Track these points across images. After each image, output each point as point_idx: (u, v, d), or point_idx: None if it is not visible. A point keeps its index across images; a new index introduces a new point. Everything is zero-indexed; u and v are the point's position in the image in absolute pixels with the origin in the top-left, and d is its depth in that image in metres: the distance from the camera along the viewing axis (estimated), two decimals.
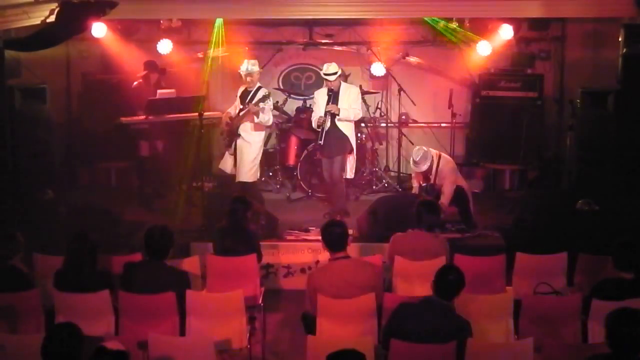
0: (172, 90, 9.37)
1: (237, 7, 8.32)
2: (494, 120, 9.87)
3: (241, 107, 8.12)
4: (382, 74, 10.22)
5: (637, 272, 5.06)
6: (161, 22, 9.72)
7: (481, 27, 9.59)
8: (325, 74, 8.12)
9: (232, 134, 8.12)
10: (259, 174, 8.43)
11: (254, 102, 7.94)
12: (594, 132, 8.38)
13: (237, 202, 6.46)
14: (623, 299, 4.76)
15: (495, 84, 9.96)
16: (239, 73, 8.23)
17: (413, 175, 8.47)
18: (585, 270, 6.01)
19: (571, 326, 5.18)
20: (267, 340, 6.22)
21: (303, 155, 9.36)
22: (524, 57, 10.11)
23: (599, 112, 8.37)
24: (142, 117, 8.99)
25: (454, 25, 9.58)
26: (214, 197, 8.40)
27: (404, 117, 10.47)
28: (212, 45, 9.67)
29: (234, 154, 8.13)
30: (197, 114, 8.32)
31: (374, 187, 9.64)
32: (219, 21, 9.55)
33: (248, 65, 8.10)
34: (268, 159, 9.69)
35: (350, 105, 8.08)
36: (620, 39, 7.86)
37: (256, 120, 7.98)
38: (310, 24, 10.32)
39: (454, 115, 9.59)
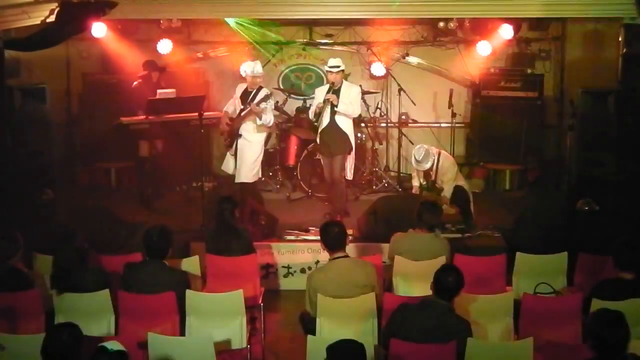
0: (172, 90, 9.37)
1: (237, 7, 8.32)
2: (494, 120, 9.88)
3: (242, 107, 8.11)
4: (382, 74, 10.23)
5: (637, 272, 5.06)
6: (161, 22, 9.72)
7: (481, 27, 9.59)
8: (329, 66, 8.11)
9: (233, 134, 8.12)
10: (260, 174, 8.43)
11: (255, 102, 7.92)
12: (594, 132, 8.38)
13: (223, 203, 6.47)
14: (623, 299, 4.76)
15: (495, 84, 9.96)
16: (241, 73, 8.21)
17: (413, 174, 8.48)
18: (585, 270, 6.00)
19: (571, 326, 5.18)
20: (267, 340, 6.22)
21: (303, 155, 9.36)
22: (524, 57, 10.12)
23: (599, 112, 8.37)
24: (142, 117, 8.98)
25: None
26: (214, 197, 8.39)
27: (404, 117, 10.47)
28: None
29: (235, 154, 8.13)
30: (197, 114, 8.32)
31: (374, 187, 9.64)
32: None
33: (255, 68, 8.04)
34: (268, 159, 9.69)
35: (351, 102, 8.08)
36: (620, 39, 7.86)
37: (259, 122, 7.96)
38: (310, 24, 10.33)
39: (454, 115, 9.58)
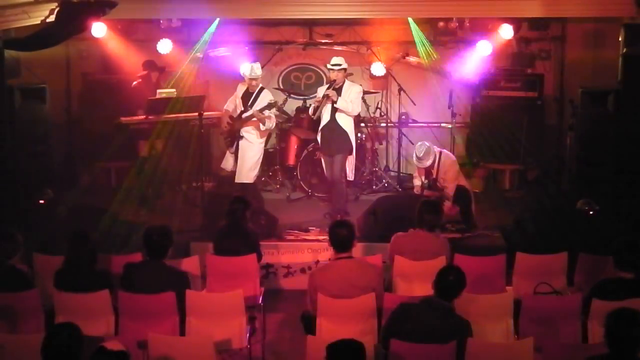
0: (173, 90, 9.37)
1: (237, 7, 8.32)
2: (494, 120, 9.86)
3: (242, 109, 8.11)
4: (382, 74, 10.23)
5: (637, 272, 5.06)
6: (161, 22, 9.72)
7: (481, 27, 9.59)
8: (331, 64, 8.13)
9: (234, 134, 8.12)
10: (259, 174, 8.43)
11: (259, 109, 7.93)
12: (594, 132, 8.37)
13: (236, 202, 6.46)
14: (623, 299, 4.76)
15: (495, 84, 9.96)
16: (241, 74, 8.22)
17: (415, 174, 8.48)
18: (585, 270, 6.01)
19: (571, 326, 5.18)
20: (267, 340, 6.22)
21: (303, 155, 9.36)
22: (524, 57, 10.11)
23: (599, 112, 8.36)
24: (142, 117, 8.98)
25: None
26: (214, 197, 8.40)
27: (404, 117, 10.46)
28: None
29: (235, 154, 8.13)
30: (197, 114, 8.32)
31: (374, 187, 9.63)
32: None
33: (253, 70, 8.07)
34: (268, 159, 9.69)
35: (351, 100, 8.08)
36: (620, 39, 7.86)
37: (262, 128, 7.99)
38: (310, 24, 10.33)
39: (454, 115, 9.59)
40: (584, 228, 7.23)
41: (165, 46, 9.91)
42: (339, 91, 8.06)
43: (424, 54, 9.69)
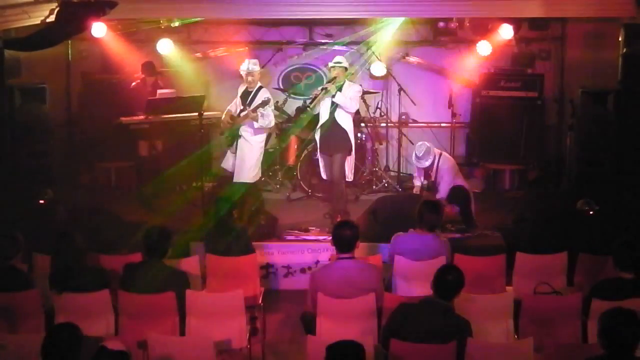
0: (173, 91, 9.37)
1: (237, 7, 8.32)
2: (494, 120, 9.87)
3: (241, 107, 8.13)
4: (382, 74, 10.23)
5: (637, 272, 5.06)
6: (161, 22, 9.72)
7: (481, 27, 9.59)
8: (333, 62, 8.14)
9: (234, 133, 8.12)
10: (259, 174, 8.43)
11: (252, 107, 7.94)
12: (594, 132, 8.38)
13: (219, 203, 6.47)
14: (623, 299, 4.76)
15: (495, 84, 9.95)
16: (240, 72, 8.23)
17: (415, 174, 8.48)
18: (585, 270, 6.01)
19: (571, 326, 5.18)
20: (267, 340, 6.22)
21: (303, 155, 9.36)
22: (524, 57, 10.11)
23: (599, 112, 8.37)
24: (142, 117, 8.98)
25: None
26: (214, 197, 8.39)
27: (404, 117, 10.47)
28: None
29: (235, 153, 8.14)
30: (197, 114, 8.33)
31: (374, 187, 9.63)
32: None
33: (249, 65, 8.10)
34: (268, 159, 9.69)
35: (350, 97, 8.07)
36: (620, 39, 7.86)
37: (256, 125, 8.00)
38: (310, 24, 10.33)
39: (454, 115, 9.59)
40: (584, 228, 7.23)
41: (165, 46, 9.91)
42: (339, 89, 8.05)
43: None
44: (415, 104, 10.19)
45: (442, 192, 7.96)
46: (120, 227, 7.91)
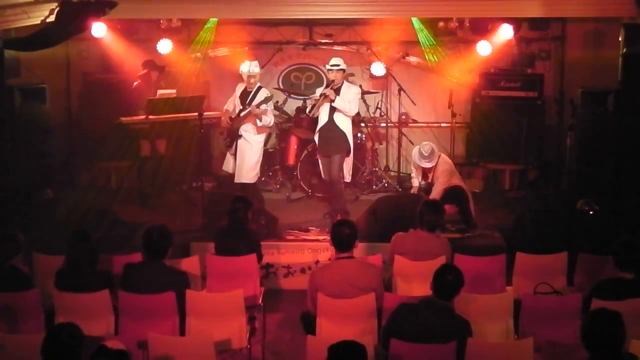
0: (173, 91, 9.37)
1: (237, 7, 8.32)
2: (494, 120, 9.86)
3: (241, 107, 8.12)
4: (382, 74, 10.22)
5: (637, 272, 5.06)
6: (161, 22, 9.72)
7: (481, 27, 9.59)
8: (330, 65, 8.15)
9: (233, 134, 8.12)
10: (259, 174, 8.43)
11: (255, 103, 7.93)
12: (594, 132, 8.38)
13: (238, 202, 6.46)
14: (623, 299, 4.76)
15: (495, 84, 9.96)
16: (240, 73, 8.23)
17: (413, 174, 8.48)
18: (585, 270, 6.00)
19: (571, 326, 5.16)
20: (267, 340, 6.22)
21: (303, 155, 9.36)
22: (524, 57, 10.11)
23: (599, 112, 8.37)
24: (143, 117, 8.98)
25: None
26: (214, 197, 8.40)
27: (404, 117, 10.47)
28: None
29: (235, 154, 8.14)
30: (197, 114, 8.33)
31: (374, 187, 9.63)
32: (212, 21, 9.58)
33: (250, 67, 8.08)
34: (268, 159, 9.70)
35: (349, 100, 8.08)
36: (620, 39, 7.86)
37: (259, 123, 7.99)
38: (310, 24, 10.33)
39: (454, 115, 9.58)
40: (584, 228, 7.23)
41: (165, 46, 9.91)
42: (337, 91, 8.07)
43: (429, 56, 9.72)
44: (415, 104, 10.19)
45: (435, 193, 7.93)
46: (120, 227, 7.92)
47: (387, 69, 10.15)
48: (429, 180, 8.11)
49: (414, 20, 9.46)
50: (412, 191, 8.46)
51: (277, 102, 9.78)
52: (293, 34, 10.44)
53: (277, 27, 10.27)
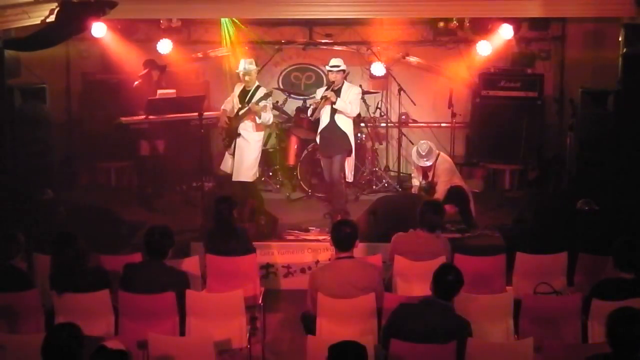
0: (173, 91, 9.37)
1: (237, 7, 8.32)
2: (494, 120, 9.87)
3: (240, 106, 8.12)
4: (382, 74, 10.22)
5: (637, 272, 5.06)
6: (161, 22, 9.72)
7: (481, 27, 9.59)
8: (330, 66, 8.15)
9: (232, 134, 8.12)
10: (258, 174, 8.43)
11: (254, 100, 7.93)
12: (594, 132, 8.37)
13: (221, 203, 6.45)
14: (623, 299, 4.75)
15: (495, 84, 9.96)
16: (237, 72, 8.23)
17: (413, 174, 8.48)
18: (585, 270, 6.00)
19: (571, 326, 5.18)
20: (267, 340, 6.22)
21: (303, 155, 9.36)
22: (524, 57, 10.11)
23: (599, 112, 8.36)
24: (142, 116, 8.98)
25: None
26: (214, 197, 8.39)
27: (404, 117, 10.47)
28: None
29: (233, 154, 8.13)
30: (197, 114, 8.32)
31: (374, 187, 9.63)
32: (223, 20, 9.59)
33: (245, 65, 8.08)
34: (268, 159, 9.70)
35: (350, 102, 8.08)
36: (620, 39, 7.86)
37: (258, 121, 7.97)
38: (310, 24, 10.33)
39: (454, 115, 9.59)
40: (584, 228, 7.22)
41: (165, 46, 9.91)
42: (337, 92, 8.06)
43: None
44: (415, 104, 10.19)
45: (440, 192, 7.96)
46: (120, 227, 7.92)
47: (387, 69, 10.15)
48: (429, 180, 8.11)
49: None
50: (412, 191, 8.46)
51: (277, 102, 9.77)
52: (293, 34, 10.44)
53: (277, 27, 10.28)
